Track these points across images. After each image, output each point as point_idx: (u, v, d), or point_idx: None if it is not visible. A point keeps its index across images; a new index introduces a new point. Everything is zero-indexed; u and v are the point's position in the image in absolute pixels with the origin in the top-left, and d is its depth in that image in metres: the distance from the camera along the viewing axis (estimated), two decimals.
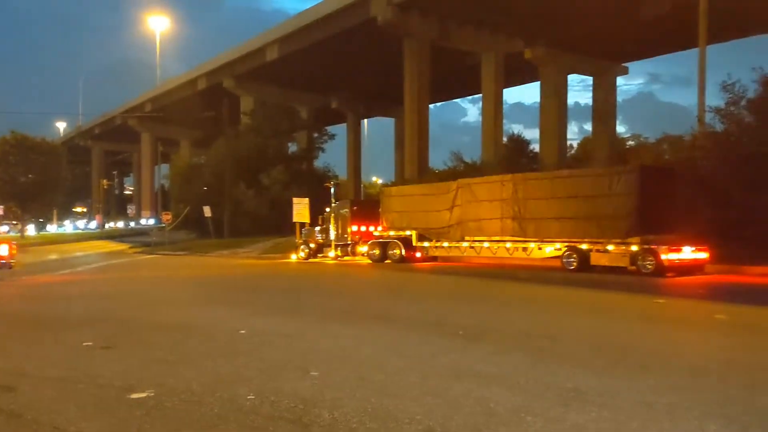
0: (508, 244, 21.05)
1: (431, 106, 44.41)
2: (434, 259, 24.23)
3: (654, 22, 33.72)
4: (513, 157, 40.56)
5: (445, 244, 23.24)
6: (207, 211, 42.13)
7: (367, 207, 27.76)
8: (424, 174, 36.98)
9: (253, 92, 54.73)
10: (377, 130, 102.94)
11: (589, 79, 49.18)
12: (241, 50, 51.96)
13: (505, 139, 45.94)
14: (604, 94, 48.09)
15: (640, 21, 34.09)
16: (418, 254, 24.24)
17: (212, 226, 43.22)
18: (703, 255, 17.82)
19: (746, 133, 19.57)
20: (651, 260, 17.44)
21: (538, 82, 45.11)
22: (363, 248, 26.17)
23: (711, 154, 20.62)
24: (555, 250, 19.85)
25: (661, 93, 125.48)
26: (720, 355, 6.83)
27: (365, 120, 69.41)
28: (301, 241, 28.94)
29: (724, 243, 17.98)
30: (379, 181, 67.10)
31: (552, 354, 6.76)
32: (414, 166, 39.43)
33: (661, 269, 17.18)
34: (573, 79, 49.27)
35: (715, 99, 21.23)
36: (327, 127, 55.50)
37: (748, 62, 21.88)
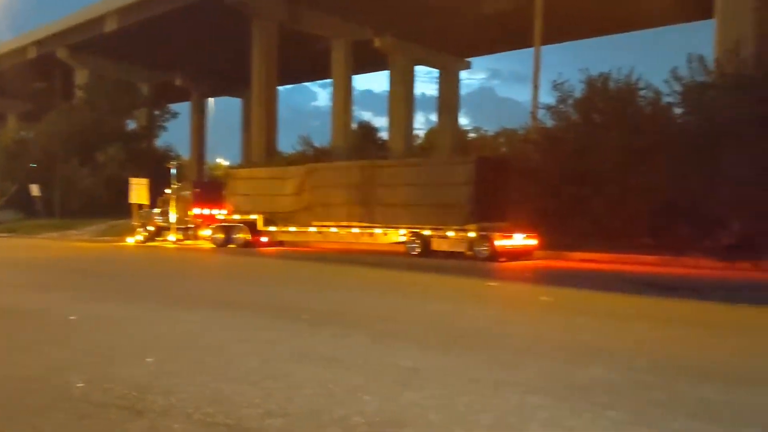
0: (356, 230, 21.39)
1: (281, 88, 43.98)
2: (281, 244, 24.11)
3: (495, 19, 35.42)
4: (362, 143, 41.19)
5: (293, 228, 23.19)
6: (34, 189, 39.16)
7: (211, 189, 27.06)
8: (272, 157, 36.60)
9: (89, 65, 51.33)
10: (224, 111, 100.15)
11: (436, 71, 50.84)
12: (77, 18, 48.51)
13: (354, 125, 46.48)
14: (449, 86, 49.94)
15: (483, 18, 35.69)
16: (264, 239, 24.01)
17: (41, 206, 40.21)
18: (533, 242, 19.12)
19: (572, 130, 21.13)
20: (486, 246, 18.46)
21: (388, 71, 46.00)
22: (206, 232, 25.50)
23: (541, 148, 22.06)
24: (400, 235, 20.43)
25: (500, 88, 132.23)
26: (543, 334, 7.36)
27: (211, 99, 67.39)
28: (138, 224, 27.68)
29: (552, 231, 19.36)
30: (225, 163, 65.46)
31: (392, 335, 6.97)
32: (261, 148, 38.90)
33: (495, 255, 18.24)
34: (422, 70, 50.76)
35: (548, 96, 22.72)
36: (170, 105, 53.29)
37: (581, 63, 23.72)
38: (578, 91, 21.29)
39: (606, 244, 18.44)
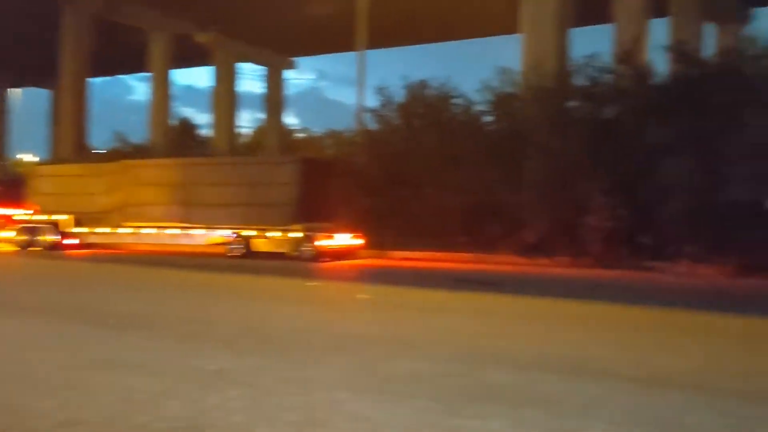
0: (174, 231, 20.59)
1: (95, 81, 41.33)
2: (91, 246, 22.65)
3: (320, 21, 35.68)
4: (183, 141, 39.72)
5: (104, 230, 21.87)
6: None
7: (12, 188, 24.80)
8: (82, 153, 34.25)
9: None
10: (30, 103, 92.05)
11: (264, 69, 50.24)
12: None
13: (175, 121, 44.71)
14: (275, 85, 49.57)
15: (308, 18, 35.81)
16: (73, 241, 22.42)
17: None
18: (358, 242, 19.50)
19: (394, 134, 21.84)
20: (309, 246, 18.55)
21: (212, 67, 44.75)
22: (7, 234, 23.36)
23: (366, 151, 22.60)
24: (221, 237, 19.96)
25: (329, 90, 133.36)
26: (357, 330, 7.54)
27: (16, 90, 61.74)
28: None
29: (376, 231, 19.87)
30: (30, 159, 60.27)
31: (202, 338, 6.80)
32: (71, 144, 36.27)
33: (319, 255, 18.38)
34: (249, 68, 49.92)
35: (374, 100, 23.30)
36: None
37: (407, 68, 24.57)
38: (400, 96, 22.06)
39: (426, 243, 19.25)
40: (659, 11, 26.38)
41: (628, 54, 18.93)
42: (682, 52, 18.64)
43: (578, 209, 17.29)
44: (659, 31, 25.70)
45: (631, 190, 17.07)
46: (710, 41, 28.93)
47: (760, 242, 15.28)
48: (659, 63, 19.33)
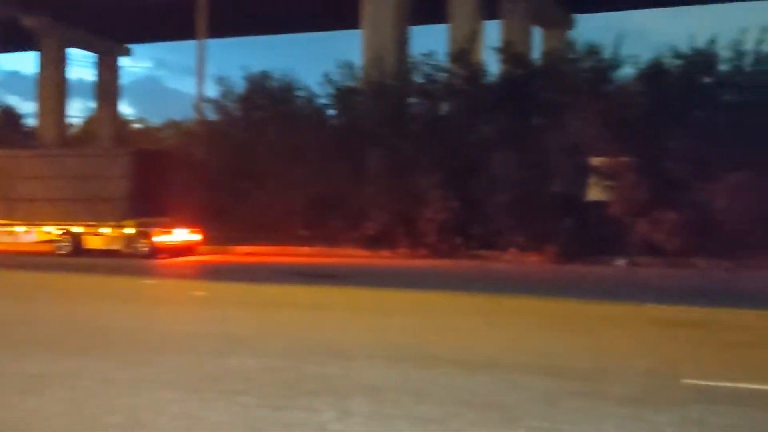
0: None
1: None
2: None
3: (160, 8, 34.18)
4: (4, 131, 36.65)
5: None
6: None
7: None
8: None
9: None
10: None
11: (95, 56, 47.30)
12: None
13: None
14: (108, 73, 46.85)
15: (146, 5, 34.19)
16: None
17: None
18: (197, 237, 18.95)
19: (235, 125, 21.46)
20: (145, 243, 17.80)
21: (37, 52, 41.52)
22: None
23: (206, 142, 22.02)
24: (47, 233, 18.67)
25: (168, 79, 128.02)
26: (189, 328, 7.41)
27: None
28: None
29: (216, 225, 19.43)
30: None
31: (24, 341, 6.40)
32: None
33: (156, 251, 17.69)
34: (80, 54, 46.79)
35: (214, 90, 22.71)
36: None
37: (249, 59, 24.14)
38: (241, 87, 21.69)
39: (268, 237, 19.11)
40: (492, 14, 27.82)
41: (462, 53, 19.82)
42: (510, 53, 19.80)
43: (416, 202, 17.92)
44: (492, 33, 27.12)
45: (464, 183, 17.93)
46: (538, 44, 30.94)
47: (578, 232, 16.65)
48: (491, 63, 20.45)
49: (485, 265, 16.07)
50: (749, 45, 16.63)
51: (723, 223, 15.48)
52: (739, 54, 16.69)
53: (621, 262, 16.02)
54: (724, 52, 16.86)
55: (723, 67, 17.04)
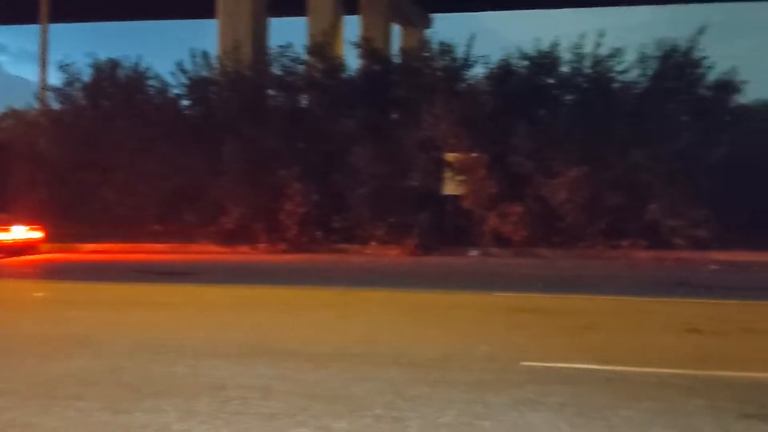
0: None
1: None
2: None
3: None
4: None
5: None
6: None
7: None
8: None
9: None
10: None
11: None
12: None
13: None
14: None
15: None
16: None
17: None
18: (38, 234, 17.69)
19: (81, 115, 20.25)
20: None
21: None
22: None
23: (49, 133, 20.63)
24: None
25: (9, 65, 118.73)
26: (29, 331, 6.98)
27: None
28: None
29: (61, 221, 18.26)
30: None
31: None
32: None
33: None
34: None
35: (59, 78, 21.24)
36: None
37: (98, 46, 22.94)
38: (87, 75, 20.47)
39: (118, 234, 18.20)
40: (351, 9, 28.04)
41: (320, 47, 19.83)
42: (368, 49, 20.06)
43: (275, 195, 17.74)
44: (352, 28, 27.36)
45: (324, 176, 17.98)
46: (397, 41, 31.54)
47: (435, 225, 17.20)
48: (351, 58, 20.61)
49: (345, 258, 16.20)
50: (588, 48, 17.87)
51: (564, 216, 16.56)
52: (579, 57, 17.89)
53: (474, 253, 16.73)
54: (565, 54, 18.03)
55: (564, 69, 18.20)
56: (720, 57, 17.69)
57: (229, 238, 17.73)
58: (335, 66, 19.73)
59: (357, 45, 20.40)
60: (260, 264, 15.25)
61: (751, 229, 15.38)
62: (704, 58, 17.38)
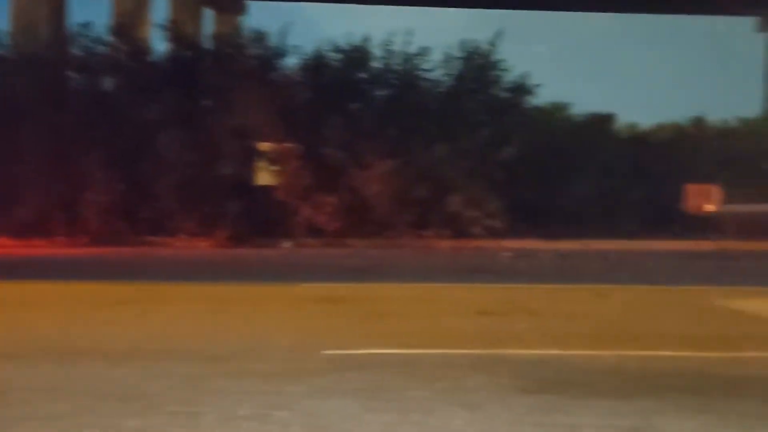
0: None
1: None
2: None
3: None
4: None
5: None
6: None
7: None
8: None
9: None
10: None
11: None
12: None
13: None
14: None
15: None
16: None
17: None
18: None
19: None
20: None
21: None
22: None
23: None
24: None
25: None
26: None
27: None
28: None
29: None
30: None
31: None
32: None
33: None
34: None
35: None
36: None
37: None
38: None
39: None
40: None
41: (124, 28, 18.78)
42: (177, 32, 19.32)
43: (77, 185, 16.60)
44: (161, 9, 26.07)
45: (130, 164, 17.11)
46: (210, 26, 30.52)
47: (247, 216, 17.01)
48: (159, 41, 19.72)
49: (152, 251, 15.55)
50: (397, 46, 18.55)
51: (374, 207, 17.13)
52: (389, 53, 18.52)
53: (287, 244, 16.78)
54: (376, 50, 18.58)
55: (376, 65, 18.76)
56: (517, 60, 19.22)
57: (25, 231, 16.28)
58: (140, 49, 18.82)
59: (163, 27, 19.58)
60: (57, 258, 14.19)
61: (539, 219, 16.93)
62: (501, 60, 18.74)
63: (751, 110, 27.98)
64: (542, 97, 19.80)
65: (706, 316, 7.61)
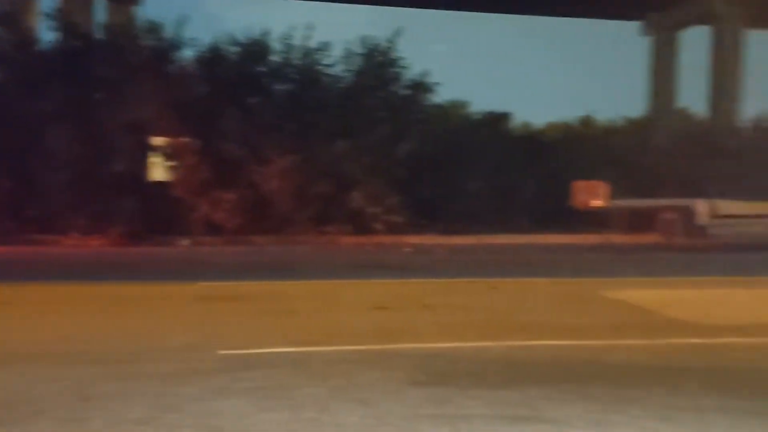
0: None
1: None
2: None
3: None
4: None
5: None
6: None
7: None
8: None
9: None
10: None
11: None
12: None
13: None
14: None
15: None
16: None
17: None
18: None
19: None
20: None
21: None
22: None
23: None
24: None
25: None
26: None
27: None
28: None
29: None
30: None
31: None
32: None
33: None
34: None
35: None
36: None
37: None
38: None
39: None
40: None
41: (10, 17, 17.75)
42: (65, 22, 18.42)
43: None
44: None
45: (17, 160, 16.23)
46: (103, 16, 29.17)
47: (142, 213, 16.47)
48: (48, 31, 18.72)
49: (42, 250, 14.80)
50: (298, 40, 18.43)
51: (275, 203, 16.98)
52: (289, 47, 18.37)
53: (185, 242, 16.39)
54: (276, 44, 18.39)
55: (275, 58, 18.57)
56: (418, 59, 19.50)
57: None
58: (27, 39, 17.85)
59: (50, 17, 18.62)
60: None
61: (437, 214, 17.29)
62: (400, 58, 18.99)
63: (636, 110, 29.74)
64: (442, 95, 20.24)
65: (592, 307, 7.98)
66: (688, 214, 16.29)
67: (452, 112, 22.03)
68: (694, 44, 31.33)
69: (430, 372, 4.89)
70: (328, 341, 5.89)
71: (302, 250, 15.57)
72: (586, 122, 23.59)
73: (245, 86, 17.98)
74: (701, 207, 16.13)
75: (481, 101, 22.94)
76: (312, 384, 4.52)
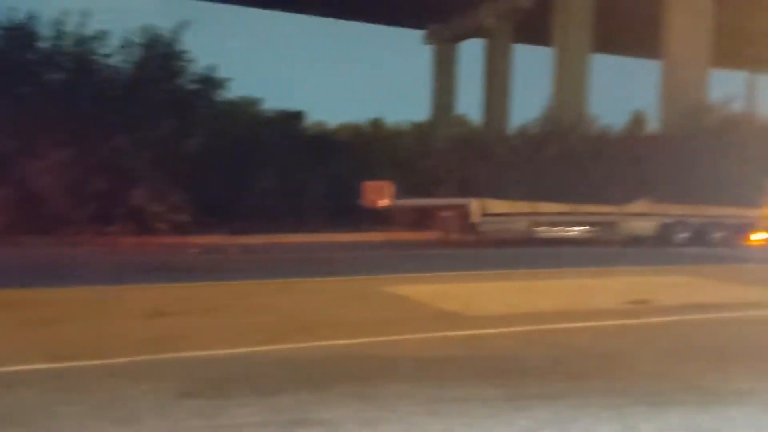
0: None
1: None
2: None
3: None
4: None
5: None
6: None
7: None
8: None
9: None
10: None
11: None
12: None
13: None
14: None
15: None
16: None
17: None
18: None
19: None
20: None
21: None
22: None
23: None
24: None
25: None
26: None
27: None
28: None
29: None
30: None
31: None
32: None
33: None
34: None
35: None
36: None
37: None
38: None
39: None
40: None
41: None
42: None
43: None
44: None
45: None
46: None
47: None
48: None
49: None
50: (71, 27, 17.01)
51: (48, 201, 15.59)
52: (61, 34, 16.92)
53: None
54: (45, 30, 16.83)
55: (45, 45, 17.01)
56: (209, 53, 18.86)
57: None
58: None
59: None
60: None
61: (227, 214, 16.88)
62: (186, 51, 18.26)
63: (421, 115, 31.41)
64: (234, 91, 19.81)
65: (374, 303, 8.22)
66: (463, 212, 17.42)
67: (244, 109, 21.67)
68: (474, 56, 33.78)
69: (202, 381, 4.72)
70: (96, 354, 5.46)
71: (79, 251, 14.42)
72: (376, 125, 24.43)
73: (12, 74, 16.26)
74: (474, 206, 17.33)
75: (275, 99, 22.83)
76: (69, 403, 4.17)
